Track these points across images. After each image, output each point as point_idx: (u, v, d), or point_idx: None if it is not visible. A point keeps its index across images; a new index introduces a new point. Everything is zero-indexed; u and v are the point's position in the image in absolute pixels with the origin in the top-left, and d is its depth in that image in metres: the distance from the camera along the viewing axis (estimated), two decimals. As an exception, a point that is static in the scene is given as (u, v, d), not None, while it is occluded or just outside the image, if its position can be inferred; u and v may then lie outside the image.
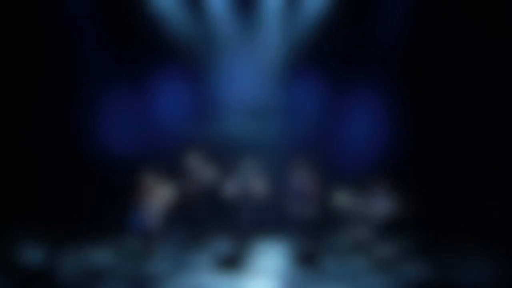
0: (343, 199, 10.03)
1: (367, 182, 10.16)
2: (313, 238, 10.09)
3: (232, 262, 9.21)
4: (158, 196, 9.84)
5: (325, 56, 11.78)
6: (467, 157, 11.14)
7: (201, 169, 10.46)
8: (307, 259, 9.33)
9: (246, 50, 11.96)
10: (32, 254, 8.92)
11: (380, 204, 9.93)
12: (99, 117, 11.90)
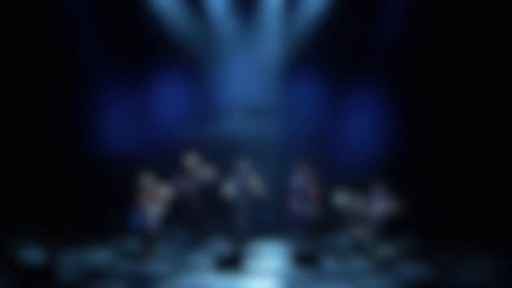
0: (343, 199, 10.01)
1: (367, 182, 10.15)
2: (313, 238, 10.07)
3: (232, 262, 9.20)
4: (158, 196, 9.84)
5: (325, 56, 11.77)
6: (467, 157, 11.14)
7: (201, 169, 10.45)
8: (307, 259, 9.31)
9: (246, 50, 11.95)
10: (32, 254, 8.91)
11: (380, 204, 9.92)
12: (99, 117, 11.90)
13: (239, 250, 9.84)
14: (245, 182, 10.01)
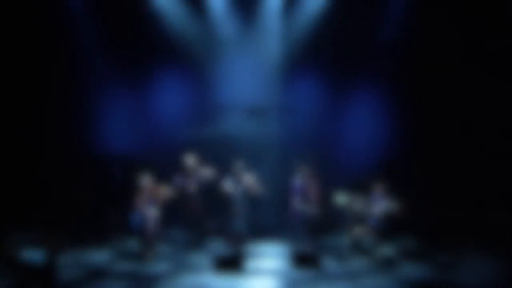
0: (343, 199, 10.01)
1: (367, 182, 10.16)
2: (313, 238, 10.08)
3: (232, 262, 9.20)
4: (158, 196, 9.84)
5: (325, 56, 11.78)
6: (467, 157, 11.14)
7: (200, 169, 10.46)
8: (307, 259, 9.32)
9: (246, 50, 11.96)
10: (32, 254, 8.91)
11: (380, 205, 9.92)
12: (99, 117, 11.91)
13: (239, 250, 9.84)
14: (245, 182, 10.01)
